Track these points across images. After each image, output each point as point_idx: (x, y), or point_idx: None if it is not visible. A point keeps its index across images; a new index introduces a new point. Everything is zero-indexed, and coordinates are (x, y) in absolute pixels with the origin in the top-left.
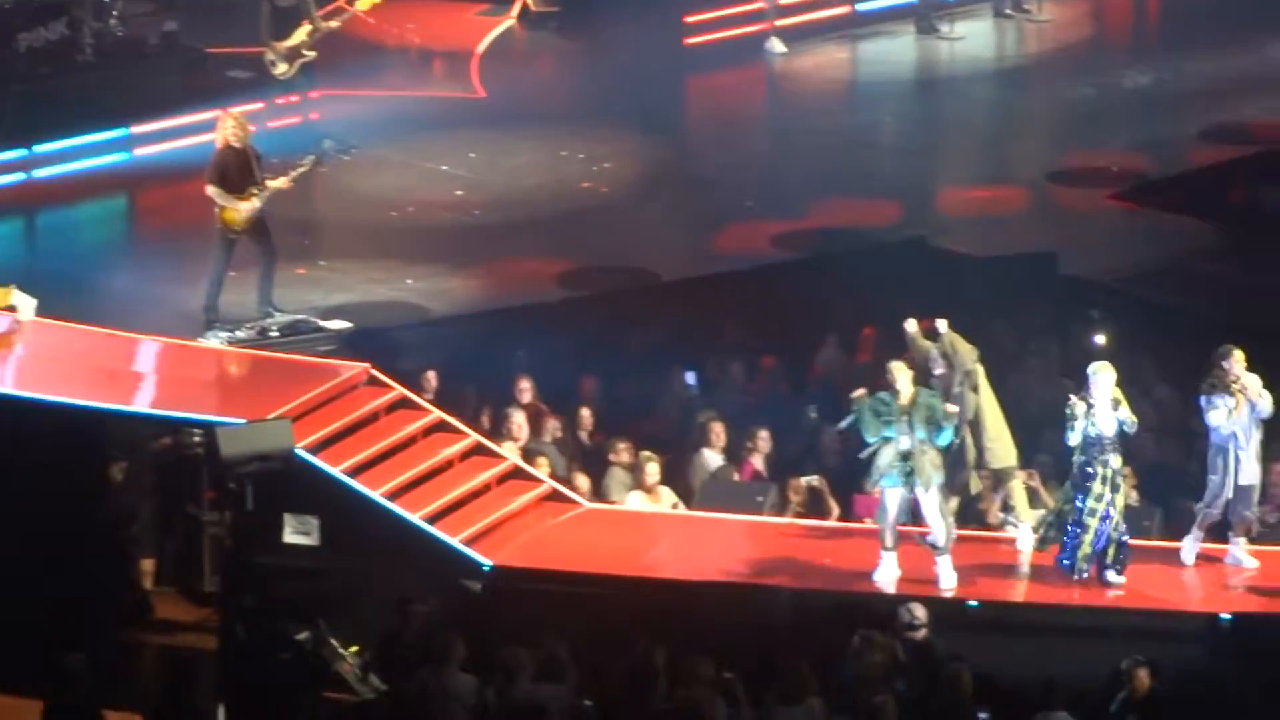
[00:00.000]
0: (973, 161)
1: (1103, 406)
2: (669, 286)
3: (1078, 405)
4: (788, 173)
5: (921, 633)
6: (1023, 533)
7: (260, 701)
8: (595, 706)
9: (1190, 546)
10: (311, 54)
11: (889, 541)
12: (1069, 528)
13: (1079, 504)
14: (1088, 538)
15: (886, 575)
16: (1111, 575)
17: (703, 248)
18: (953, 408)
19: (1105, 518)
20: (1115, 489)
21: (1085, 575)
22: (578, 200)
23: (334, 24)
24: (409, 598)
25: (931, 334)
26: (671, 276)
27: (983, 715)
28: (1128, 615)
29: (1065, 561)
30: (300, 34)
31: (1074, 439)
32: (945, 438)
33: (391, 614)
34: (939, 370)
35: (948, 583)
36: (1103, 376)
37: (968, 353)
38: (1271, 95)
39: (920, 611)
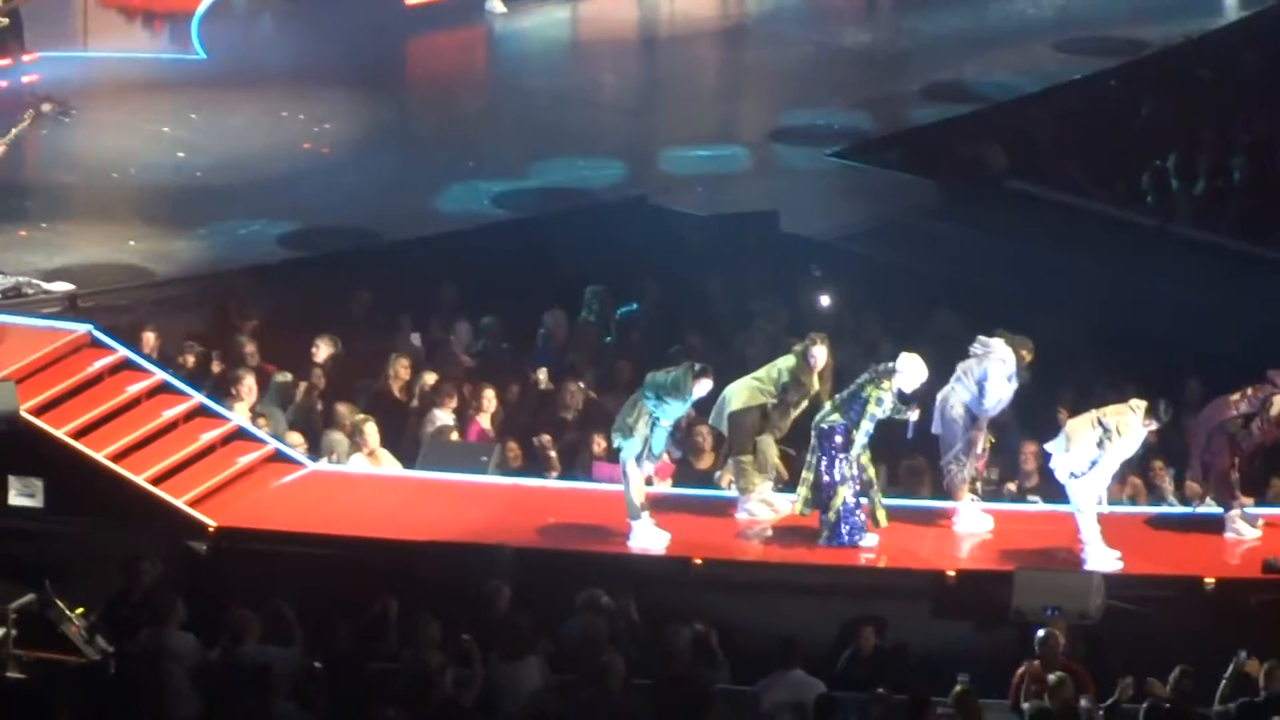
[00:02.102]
0: (694, 120)
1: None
2: (392, 246)
3: (887, 396)
4: (509, 132)
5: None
6: (761, 495)
7: None
8: (323, 668)
9: (974, 511)
10: (3, 21)
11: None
12: (846, 499)
13: (845, 472)
14: (875, 495)
15: (654, 539)
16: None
17: (425, 208)
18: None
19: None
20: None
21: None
22: (299, 161)
23: None
24: (138, 556)
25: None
26: (394, 236)
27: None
28: (858, 573)
29: (851, 531)
30: None
31: (866, 425)
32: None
33: (117, 575)
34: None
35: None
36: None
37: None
38: (990, 53)
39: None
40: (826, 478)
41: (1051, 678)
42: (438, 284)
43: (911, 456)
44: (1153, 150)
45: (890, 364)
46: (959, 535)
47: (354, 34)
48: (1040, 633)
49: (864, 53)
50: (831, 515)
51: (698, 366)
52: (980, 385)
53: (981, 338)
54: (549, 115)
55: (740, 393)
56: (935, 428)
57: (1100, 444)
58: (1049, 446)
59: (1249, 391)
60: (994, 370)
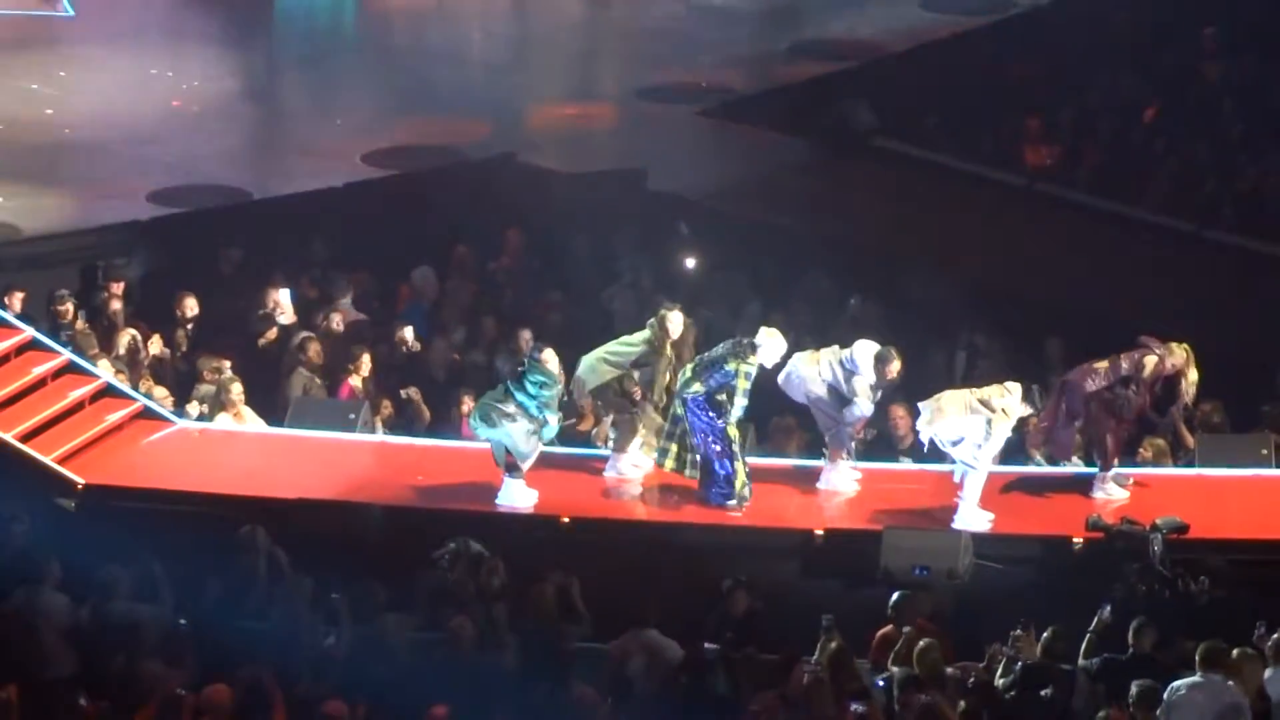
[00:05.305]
0: (562, 78)
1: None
2: (261, 204)
3: (753, 370)
4: (376, 90)
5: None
6: (633, 455)
7: None
8: (191, 625)
9: (843, 471)
10: None
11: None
12: (718, 461)
13: (719, 435)
14: (739, 465)
15: (522, 497)
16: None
17: (293, 165)
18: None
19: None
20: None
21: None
22: (169, 118)
23: None
24: (9, 515)
25: None
26: (263, 194)
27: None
28: (725, 532)
29: (721, 493)
30: None
31: (741, 401)
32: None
33: None
34: None
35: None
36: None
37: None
38: (858, 11)
39: None
40: (696, 439)
41: (921, 644)
42: (308, 242)
43: (781, 414)
44: (1019, 108)
45: (751, 339)
46: (826, 494)
47: None
48: (895, 595)
49: (733, 10)
50: (711, 477)
51: (533, 346)
52: (849, 383)
53: (857, 352)
54: (416, 72)
55: (594, 369)
56: (799, 396)
57: (989, 425)
58: (921, 407)
59: (1120, 359)
60: (860, 384)
